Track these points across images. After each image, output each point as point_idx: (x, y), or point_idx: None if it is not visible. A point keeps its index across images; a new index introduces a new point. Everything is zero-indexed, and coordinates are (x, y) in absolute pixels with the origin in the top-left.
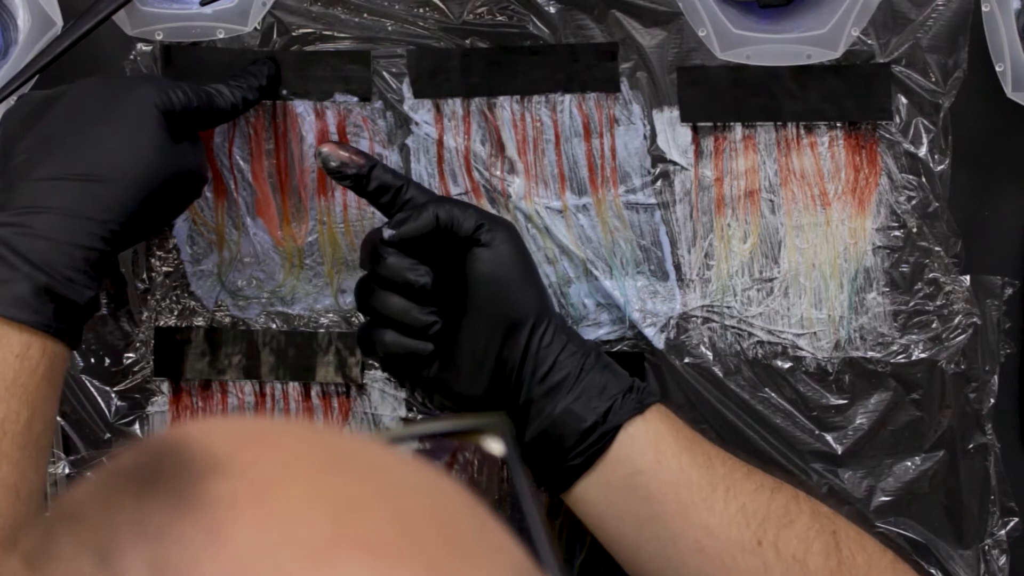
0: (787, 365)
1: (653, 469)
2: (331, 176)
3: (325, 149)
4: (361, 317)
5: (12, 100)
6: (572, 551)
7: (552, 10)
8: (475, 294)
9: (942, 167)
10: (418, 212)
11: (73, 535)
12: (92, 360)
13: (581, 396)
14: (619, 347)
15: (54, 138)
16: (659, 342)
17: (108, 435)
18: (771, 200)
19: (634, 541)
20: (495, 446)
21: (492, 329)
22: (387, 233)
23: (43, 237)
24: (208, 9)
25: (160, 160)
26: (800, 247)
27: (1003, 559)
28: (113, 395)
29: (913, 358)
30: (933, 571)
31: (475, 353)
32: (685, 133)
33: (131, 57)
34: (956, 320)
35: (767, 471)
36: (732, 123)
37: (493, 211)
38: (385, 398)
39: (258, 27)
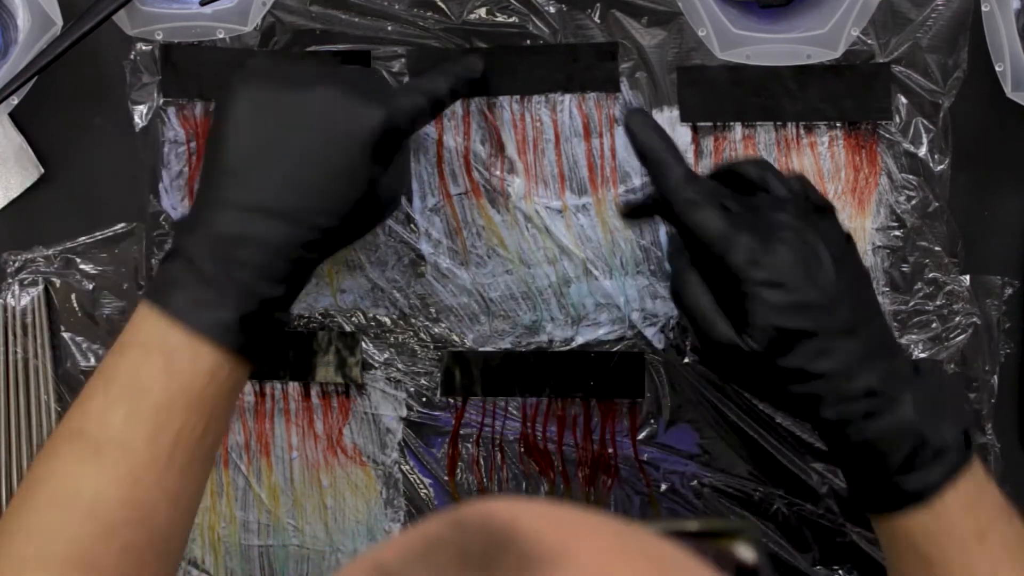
0: None
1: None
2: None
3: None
4: (360, 316)
5: (13, 100)
6: None
7: (552, 10)
8: None
9: (942, 167)
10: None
11: None
12: (93, 360)
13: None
14: (619, 347)
15: (273, 155)
16: (659, 342)
17: None
18: None
19: None
20: (746, 553)
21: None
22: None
23: (252, 267)
24: (208, 9)
25: (368, 196)
26: None
27: None
28: None
29: (913, 358)
30: None
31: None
32: (685, 133)
33: (131, 57)
34: (956, 320)
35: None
36: (732, 123)
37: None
38: (385, 398)
39: (258, 27)
